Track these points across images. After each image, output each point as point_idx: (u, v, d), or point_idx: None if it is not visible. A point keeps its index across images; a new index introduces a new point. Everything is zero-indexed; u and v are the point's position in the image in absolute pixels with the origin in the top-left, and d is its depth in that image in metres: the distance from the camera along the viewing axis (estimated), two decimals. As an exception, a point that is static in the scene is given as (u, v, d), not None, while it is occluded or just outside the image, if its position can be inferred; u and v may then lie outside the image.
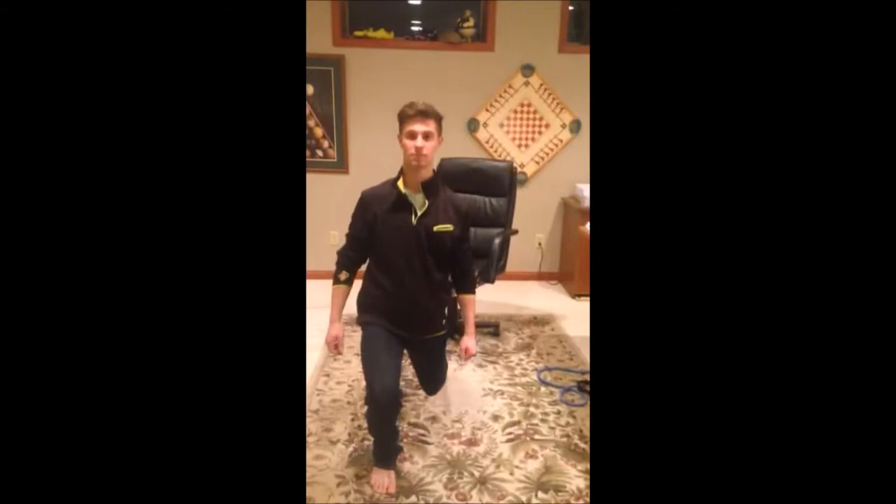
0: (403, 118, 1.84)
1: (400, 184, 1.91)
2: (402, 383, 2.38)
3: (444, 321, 2.09)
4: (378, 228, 1.92)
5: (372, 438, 2.01)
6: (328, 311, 1.97)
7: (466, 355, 2.06)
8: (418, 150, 1.81)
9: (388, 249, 1.93)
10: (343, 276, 2.00)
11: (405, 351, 2.07)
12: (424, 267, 1.93)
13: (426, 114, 1.82)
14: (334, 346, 2.00)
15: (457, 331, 3.07)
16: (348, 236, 2.01)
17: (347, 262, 2.00)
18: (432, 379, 2.17)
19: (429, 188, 1.91)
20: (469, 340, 2.07)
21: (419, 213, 1.90)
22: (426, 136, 1.82)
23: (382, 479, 1.95)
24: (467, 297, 2.09)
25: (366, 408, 2.00)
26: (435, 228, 1.91)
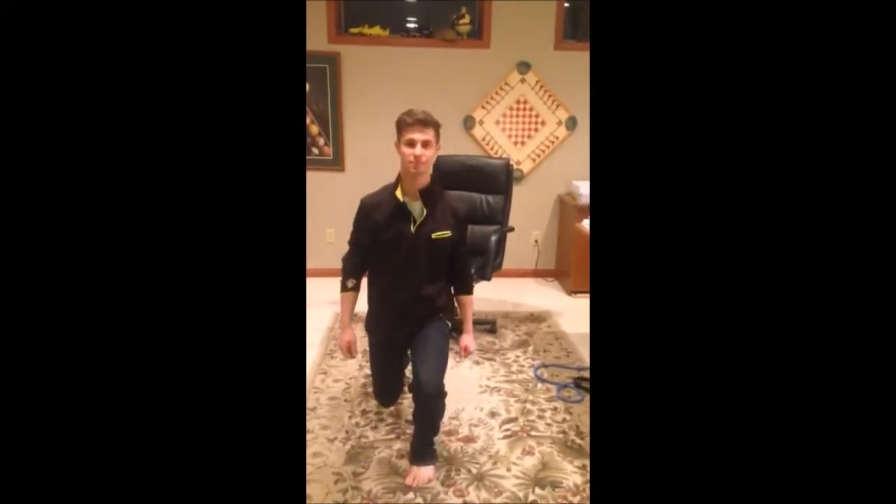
0: (402, 126, 1.86)
1: (398, 192, 1.93)
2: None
3: (440, 316, 2.09)
4: (378, 237, 1.95)
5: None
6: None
7: (465, 353, 2.13)
8: (417, 158, 1.83)
9: (387, 257, 1.96)
10: (350, 283, 2.05)
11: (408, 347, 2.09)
12: (422, 274, 1.97)
13: (425, 122, 1.84)
14: (348, 351, 2.09)
15: (455, 329, 3.08)
16: (350, 244, 2.06)
17: (352, 269, 2.06)
18: (425, 358, 1.95)
19: (427, 195, 1.94)
20: (467, 338, 2.13)
21: (418, 222, 1.93)
22: (425, 144, 1.84)
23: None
24: (465, 298, 2.14)
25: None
26: (433, 236, 1.94)
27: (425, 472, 1.98)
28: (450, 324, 2.11)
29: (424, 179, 1.92)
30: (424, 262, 1.96)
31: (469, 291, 2.14)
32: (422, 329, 2.02)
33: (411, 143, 1.84)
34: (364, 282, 2.10)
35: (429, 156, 1.86)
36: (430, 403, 1.94)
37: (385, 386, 2.19)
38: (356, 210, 2.00)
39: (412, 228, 1.93)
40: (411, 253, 1.94)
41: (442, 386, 1.98)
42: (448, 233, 1.96)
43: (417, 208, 1.94)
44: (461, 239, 2.04)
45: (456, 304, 2.17)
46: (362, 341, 2.52)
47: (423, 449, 2.01)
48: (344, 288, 2.06)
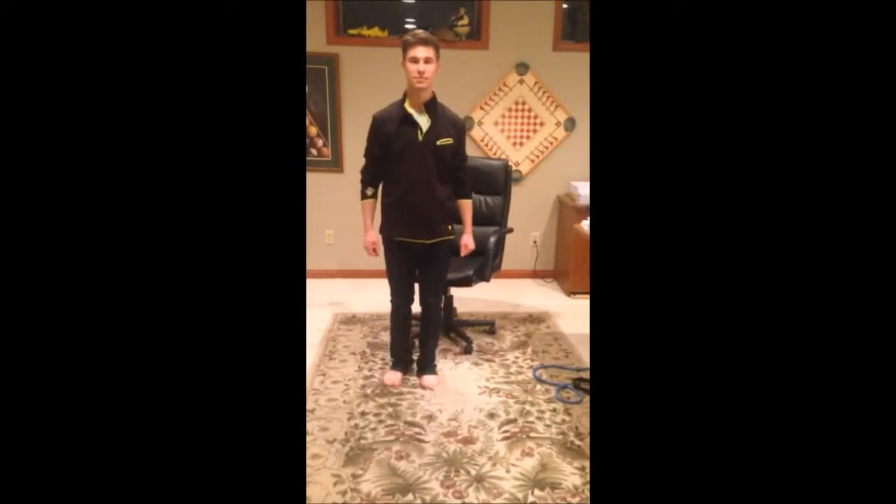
0: (406, 45, 2.17)
1: (406, 105, 2.25)
2: (401, 381, 2.60)
3: (449, 227, 2.42)
4: (389, 147, 2.27)
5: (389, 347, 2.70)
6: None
7: (466, 250, 2.51)
8: (421, 73, 2.15)
9: (398, 164, 2.28)
10: (369, 191, 2.42)
11: (416, 263, 2.47)
12: (430, 177, 2.29)
13: (427, 41, 2.16)
14: (373, 250, 2.48)
15: (453, 330, 3.09)
16: (366, 156, 2.39)
17: (370, 178, 2.41)
18: (434, 281, 2.51)
19: (430, 107, 2.26)
20: (467, 237, 2.52)
21: (424, 131, 2.24)
22: (427, 60, 2.15)
23: (392, 377, 2.59)
24: (465, 202, 2.51)
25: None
26: (438, 143, 2.27)
27: (431, 380, 2.57)
28: (453, 237, 2.47)
29: (427, 94, 2.24)
30: (433, 167, 2.28)
31: (468, 196, 2.51)
32: (433, 231, 2.35)
33: (415, 60, 2.15)
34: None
35: (431, 70, 2.17)
36: (433, 309, 2.56)
37: (400, 287, 2.49)
38: (369, 125, 2.33)
39: (419, 137, 2.24)
40: (421, 159, 2.26)
41: (441, 296, 2.60)
42: (450, 140, 2.30)
43: (423, 119, 2.25)
44: (461, 146, 2.38)
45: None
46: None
47: (429, 362, 2.61)
48: (364, 196, 2.42)
